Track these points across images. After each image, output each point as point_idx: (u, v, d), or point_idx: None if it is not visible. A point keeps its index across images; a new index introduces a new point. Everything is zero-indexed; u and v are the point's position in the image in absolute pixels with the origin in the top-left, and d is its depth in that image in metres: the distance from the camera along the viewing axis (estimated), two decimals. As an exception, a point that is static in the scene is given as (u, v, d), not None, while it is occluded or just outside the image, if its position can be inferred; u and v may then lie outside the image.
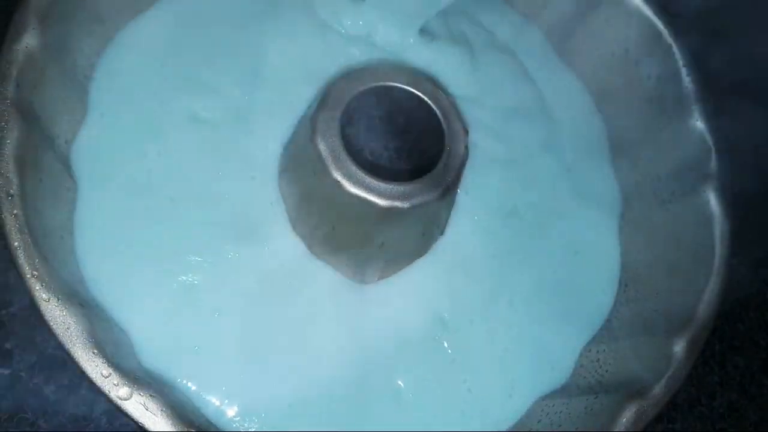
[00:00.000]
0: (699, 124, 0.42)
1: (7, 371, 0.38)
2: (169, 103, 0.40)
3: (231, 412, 0.34)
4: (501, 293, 0.40)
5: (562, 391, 0.39)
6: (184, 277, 0.36)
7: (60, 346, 0.37)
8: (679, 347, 0.37)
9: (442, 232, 0.40)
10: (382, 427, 0.36)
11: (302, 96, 0.41)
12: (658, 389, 0.36)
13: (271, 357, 0.36)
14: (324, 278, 0.38)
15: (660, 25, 0.44)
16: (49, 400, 0.38)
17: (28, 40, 0.34)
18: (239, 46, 0.42)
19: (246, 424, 0.34)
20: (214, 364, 0.35)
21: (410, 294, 0.39)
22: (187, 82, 0.40)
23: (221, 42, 0.42)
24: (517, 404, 0.38)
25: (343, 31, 0.44)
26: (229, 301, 0.36)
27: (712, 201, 0.40)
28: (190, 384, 0.34)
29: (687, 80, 0.43)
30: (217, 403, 0.34)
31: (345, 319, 0.37)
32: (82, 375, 0.36)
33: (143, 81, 0.40)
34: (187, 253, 0.36)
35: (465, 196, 0.41)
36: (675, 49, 0.43)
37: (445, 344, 0.38)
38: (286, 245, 0.38)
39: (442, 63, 0.44)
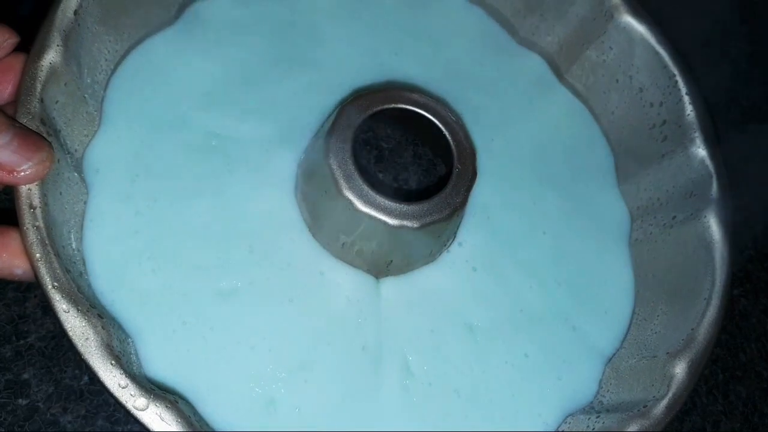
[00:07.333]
0: (701, 150, 0.43)
1: (24, 402, 0.38)
2: (182, 117, 0.40)
3: (243, 420, 0.34)
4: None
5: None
6: (197, 287, 0.36)
7: (76, 377, 0.37)
8: (679, 369, 0.37)
9: (449, 247, 0.41)
10: (393, 419, 0.37)
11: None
12: (659, 410, 0.36)
13: (286, 363, 0.36)
14: (343, 277, 0.39)
15: (664, 53, 0.45)
16: (66, 431, 0.38)
17: (52, 57, 0.35)
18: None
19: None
20: (229, 373, 0.35)
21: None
22: (204, 97, 0.41)
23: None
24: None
25: None
26: (247, 309, 0.37)
27: (713, 226, 0.41)
28: (203, 395, 0.34)
29: (689, 108, 0.43)
30: (231, 412, 0.34)
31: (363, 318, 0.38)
32: (99, 406, 0.37)
33: (157, 94, 0.41)
34: (199, 263, 0.37)
35: (472, 218, 0.41)
36: (679, 77, 0.44)
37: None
38: (304, 249, 0.39)
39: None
